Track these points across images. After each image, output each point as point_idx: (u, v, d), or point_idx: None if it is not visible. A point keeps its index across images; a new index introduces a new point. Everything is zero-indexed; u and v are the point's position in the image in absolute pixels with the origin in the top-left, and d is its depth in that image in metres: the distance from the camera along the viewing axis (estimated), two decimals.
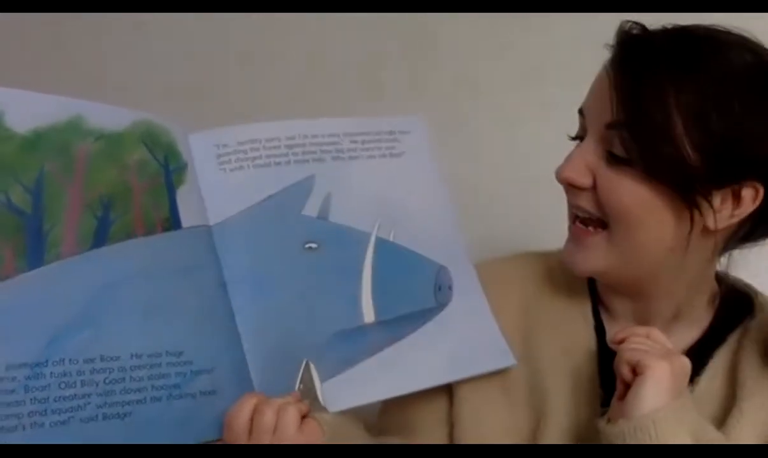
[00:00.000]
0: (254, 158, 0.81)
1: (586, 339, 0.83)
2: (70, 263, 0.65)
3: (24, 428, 0.60)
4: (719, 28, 0.75)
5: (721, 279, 0.84)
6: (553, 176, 0.79)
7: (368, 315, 0.81)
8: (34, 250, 0.63)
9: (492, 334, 0.85)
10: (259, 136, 0.82)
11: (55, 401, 0.61)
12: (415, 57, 1.29)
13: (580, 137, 0.79)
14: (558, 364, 0.82)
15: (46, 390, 0.61)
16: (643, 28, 0.75)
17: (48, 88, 0.69)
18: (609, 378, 0.76)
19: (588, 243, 0.77)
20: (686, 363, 0.71)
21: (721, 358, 0.80)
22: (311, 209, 0.82)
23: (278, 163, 0.82)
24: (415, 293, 0.84)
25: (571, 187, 0.77)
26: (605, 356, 0.80)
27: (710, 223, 0.73)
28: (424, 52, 1.28)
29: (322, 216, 0.82)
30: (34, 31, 1.41)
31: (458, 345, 0.83)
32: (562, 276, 0.86)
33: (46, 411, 0.61)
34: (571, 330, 0.84)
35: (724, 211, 0.74)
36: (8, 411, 0.60)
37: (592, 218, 0.77)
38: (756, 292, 0.85)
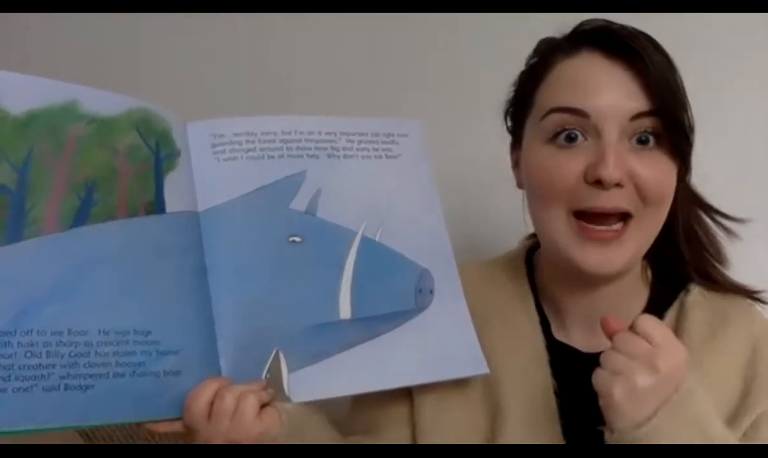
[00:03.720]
0: (248, 150, 0.84)
1: (533, 332, 0.85)
2: (47, 239, 0.68)
3: None
4: None
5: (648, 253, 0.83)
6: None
7: (345, 311, 0.82)
8: (14, 226, 0.67)
9: (468, 341, 0.85)
10: (256, 129, 0.84)
11: (20, 369, 0.65)
12: (415, 57, 1.30)
13: (570, 138, 0.78)
14: (509, 358, 0.84)
15: (11, 359, 0.65)
16: (608, 21, 0.80)
17: None
18: (560, 367, 0.80)
19: (623, 239, 0.77)
20: (679, 359, 0.69)
21: None
22: (299, 204, 0.84)
23: (272, 157, 0.84)
24: (395, 294, 0.85)
25: (613, 188, 0.75)
26: (554, 347, 0.83)
27: None
28: (423, 52, 1.29)
29: (310, 211, 0.84)
30: (32, 32, 1.44)
31: (432, 348, 0.84)
32: (502, 277, 0.89)
33: (9, 377, 0.64)
34: (517, 327, 0.86)
35: None
36: None
37: (614, 215, 0.77)
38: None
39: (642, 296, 0.85)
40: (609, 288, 0.82)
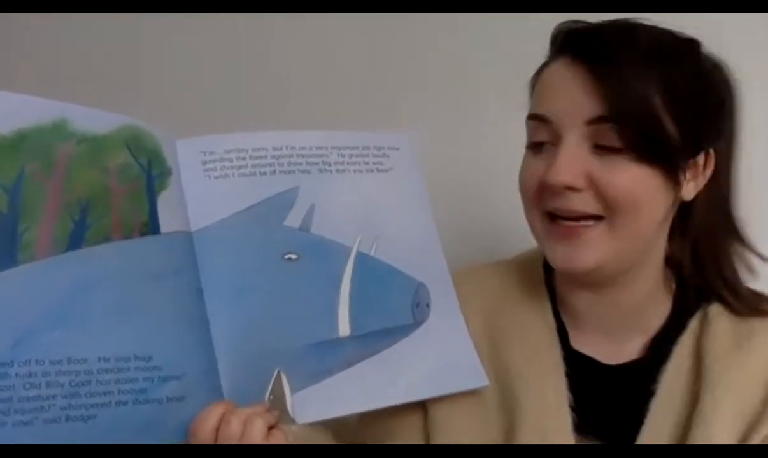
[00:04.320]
0: (240, 167, 0.82)
1: (550, 342, 0.83)
2: (42, 264, 0.65)
3: None
4: (630, 18, 0.78)
5: (670, 260, 0.84)
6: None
7: (344, 328, 0.81)
8: (8, 250, 0.64)
9: (467, 354, 0.85)
10: (246, 145, 0.82)
11: (19, 401, 0.62)
12: (415, 57, 1.29)
13: (539, 144, 0.79)
14: (525, 370, 0.82)
15: (9, 391, 0.61)
16: (585, 24, 0.78)
17: (40, 89, 0.70)
18: (577, 379, 0.78)
19: (588, 237, 0.77)
20: None
21: (684, 345, 0.80)
22: (293, 220, 0.82)
23: (263, 173, 0.82)
24: (392, 309, 0.84)
25: (565, 191, 0.76)
26: (571, 357, 0.82)
27: (688, 195, 0.79)
28: (423, 52, 1.29)
29: (304, 227, 0.82)
30: (32, 32, 1.42)
31: (432, 363, 0.83)
32: (519, 282, 0.88)
33: (9, 410, 0.61)
34: (534, 335, 0.84)
35: (693, 181, 0.78)
36: None
37: (586, 214, 0.77)
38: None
39: (664, 306, 0.84)
40: (623, 295, 0.81)
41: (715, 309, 0.82)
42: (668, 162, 0.75)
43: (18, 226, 0.65)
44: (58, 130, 0.69)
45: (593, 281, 0.81)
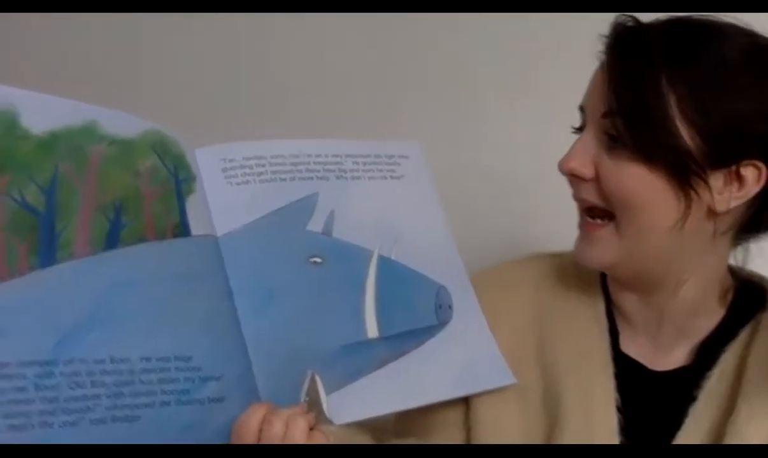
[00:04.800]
0: (260, 173, 0.82)
1: (600, 342, 0.83)
2: (82, 263, 0.65)
3: (33, 427, 0.59)
4: (711, 17, 0.77)
5: (735, 272, 0.83)
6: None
7: (372, 330, 0.81)
8: (47, 249, 0.63)
9: (491, 353, 0.85)
10: (265, 152, 0.83)
11: (65, 401, 0.60)
12: (415, 57, 1.30)
13: (579, 130, 0.81)
14: (572, 368, 0.82)
15: (56, 390, 0.60)
16: (636, 20, 0.77)
17: (40, 90, 0.69)
18: (624, 381, 0.77)
19: (597, 236, 0.78)
20: None
21: (732, 353, 0.79)
22: (316, 225, 0.82)
23: (283, 180, 0.82)
24: (416, 311, 0.84)
25: (575, 179, 0.78)
26: (620, 359, 0.81)
27: (718, 206, 0.74)
28: (423, 52, 1.29)
29: (326, 232, 0.83)
30: (32, 32, 1.41)
31: (460, 363, 0.84)
32: (574, 277, 0.86)
33: (55, 410, 0.60)
34: (584, 334, 0.83)
35: (727, 193, 0.74)
36: (18, 409, 0.58)
37: (598, 210, 0.78)
38: None
39: (716, 315, 0.82)
40: (671, 301, 0.80)
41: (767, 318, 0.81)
42: (675, 166, 0.73)
43: (56, 225, 0.64)
44: (89, 132, 0.69)
45: (632, 283, 0.81)
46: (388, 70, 1.30)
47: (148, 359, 0.66)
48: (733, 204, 0.75)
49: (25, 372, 0.59)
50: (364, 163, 0.88)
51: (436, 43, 1.28)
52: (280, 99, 1.32)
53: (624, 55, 0.76)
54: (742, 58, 0.74)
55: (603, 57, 0.78)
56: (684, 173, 0.73)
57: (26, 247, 0.62)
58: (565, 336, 0.84)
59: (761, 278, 0.84)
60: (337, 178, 0.86)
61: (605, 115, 0.76)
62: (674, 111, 0.72)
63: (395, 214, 0.88)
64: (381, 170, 0.89)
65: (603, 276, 0.86)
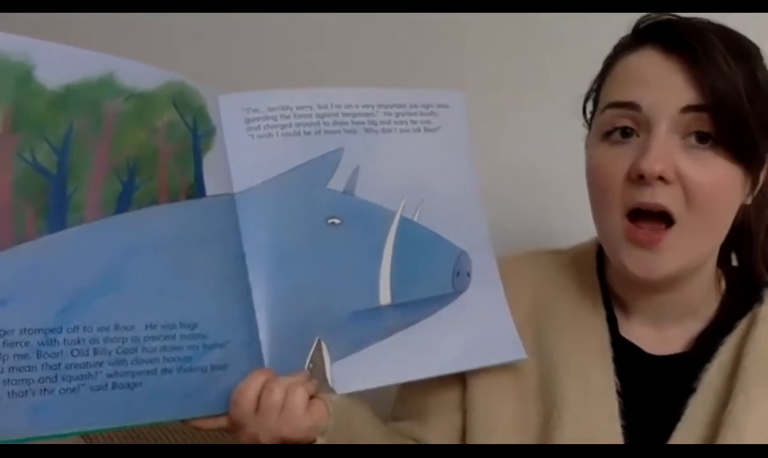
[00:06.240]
0: (284, 126, 0.79)
1: (599, 328, 0.82)
2: (91, 228, 0.64)
3: (33, 394, 0.60)
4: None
5: (723, 263, 0.83)
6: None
7: (384, 296, 0.80)
8: (57, 212, 0.62)
9: (505, 326, 0.84)
10: (291, 102, 0.80)
11: (66, 368, 0.61)
12: (415, 57, 1.28)
13: (624, 130, 0.76)
14: (570, 355, 0.81)
15: (57, 357, 0.61)
16: (673, 16, 0.77)
17: None
18: (623, 365, 0.78)
19: (666, 244, 0.74)
20: None
21: (730, 346, 0.79)
22: (338, 183, 0.80)
23: (308, 133, 0.80)
24: (433, 277, 0.83)
25: (656, 182, 0.73)
26: (619, 343, 0.81)
27: (748, 199, 0.77)
28: (423, 52, 1.27)
29: (348, 190, 0.80)
30: (32, 32, 1.39)
31: (471, 334, 0.83)
32: (572, 272, 0.87)
33: (56, 377, 0.61)
34: (582, 323, 0.83)
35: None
36: (19, 375, 0.60)
37: (654, 216, 0.74)
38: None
39: (712, 305, 0.82)
40: (676, 294, 0.80)
41: (765, 312, 0.80)
42: (752, 158, 0.74)
43: (67, 187, 0.63)
44: (106, 85, 0.67)
45: (655, 284, 0.79)
46: (388, 70, 1.28)
47: (153, 326, 0.66)
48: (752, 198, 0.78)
49: (28, 340, 0.60)
50: (398, 114, 0.85)
51: (436, 43, 1.26)
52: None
53: (698, 50, 0.72)
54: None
55: (659, 49, 0.75)
56: (757, 165, 0.75)
57: (34, 211, 0.61)
58: (563, 327, 0.84)
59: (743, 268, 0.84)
60: (366, 130, 0.83)
61: (687, 110, 0.72)
62: (747, 107, 0.72)
63: (425, 170, 0.84)
64: (415, 121, 0.85)
65: (600, 269, 0.86)
